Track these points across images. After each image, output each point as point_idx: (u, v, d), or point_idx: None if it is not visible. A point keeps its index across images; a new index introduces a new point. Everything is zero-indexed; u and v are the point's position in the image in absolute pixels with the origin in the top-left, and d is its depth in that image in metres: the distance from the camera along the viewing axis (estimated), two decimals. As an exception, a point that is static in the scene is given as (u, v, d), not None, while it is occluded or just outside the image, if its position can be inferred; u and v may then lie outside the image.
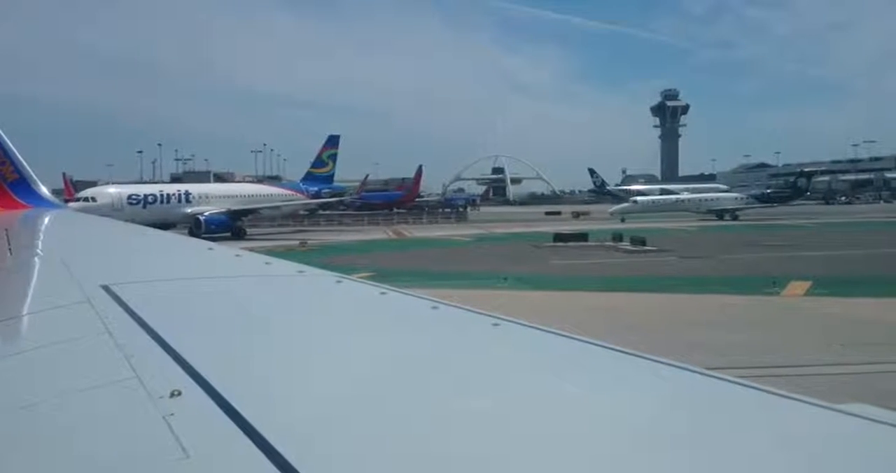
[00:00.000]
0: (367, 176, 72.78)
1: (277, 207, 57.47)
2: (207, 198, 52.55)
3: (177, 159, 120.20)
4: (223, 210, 50.36)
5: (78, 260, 4.81)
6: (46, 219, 11.65)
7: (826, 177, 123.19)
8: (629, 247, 37.38)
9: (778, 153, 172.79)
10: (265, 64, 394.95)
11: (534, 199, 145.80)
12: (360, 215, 72.85)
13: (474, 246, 42.54)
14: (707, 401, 1.69)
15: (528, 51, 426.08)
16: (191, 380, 1.79)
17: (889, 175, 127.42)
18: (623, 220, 59.82)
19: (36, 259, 5.56)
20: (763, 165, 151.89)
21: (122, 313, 2.75)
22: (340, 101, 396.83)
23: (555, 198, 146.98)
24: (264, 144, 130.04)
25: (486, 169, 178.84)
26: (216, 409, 1.56)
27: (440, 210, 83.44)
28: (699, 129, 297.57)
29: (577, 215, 73.83)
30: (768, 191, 72.23)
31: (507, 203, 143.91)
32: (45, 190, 16.80)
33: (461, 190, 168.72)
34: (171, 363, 1.98)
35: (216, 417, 1.52)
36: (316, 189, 62.44)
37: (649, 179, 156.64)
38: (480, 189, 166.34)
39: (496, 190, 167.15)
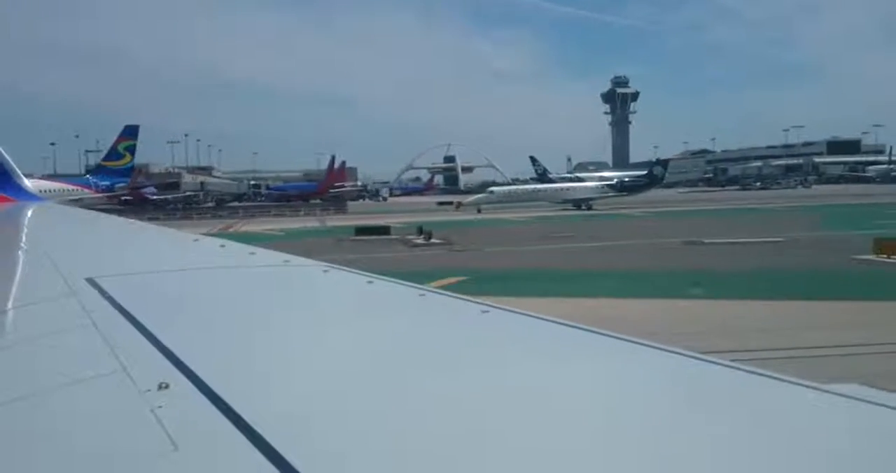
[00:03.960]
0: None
1: None
2: None
3: (88, 150, 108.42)
4: None
5: (62, 253, 4.75)
6: (30, 213, 11.51)
7: (758, 163, 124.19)
8: (418, 241, 38.67)
9: (713, 139, 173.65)
10: (217, 49, 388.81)
11: (484, 187, 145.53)
12: (236, 207, 74.88)
13: (277, 241, 43.37)
14: (700, 385, 1.69)
15: (488, 37, 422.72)
16: (178, 372, 1.77)
17: (818, 160, 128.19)
18: (479, 211, 60.91)
19: (20, 252, 5.49)
20: (704, 151, 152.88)
21: (107, 306, 2.72)
22: (301, 89, 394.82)
23: (506, 185, 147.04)
24: (185, 135, 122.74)
25: (440, 157, 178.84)
26: (205, 401, 1.55)
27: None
28: (651, 116, 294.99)
29: (458, 205, 74.52)
30: (626, 180, 74.87)
31: (458, 191, 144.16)
32: (27, 183, 16.34)
33: (418, 179, 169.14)
34: (158, 355, 1.96)
35: (204, 409, 1.50)
36: (108, 183, 60.06)
37: (600, 166, 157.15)
38: (436, 178, 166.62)
39: (449, 178, 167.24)
